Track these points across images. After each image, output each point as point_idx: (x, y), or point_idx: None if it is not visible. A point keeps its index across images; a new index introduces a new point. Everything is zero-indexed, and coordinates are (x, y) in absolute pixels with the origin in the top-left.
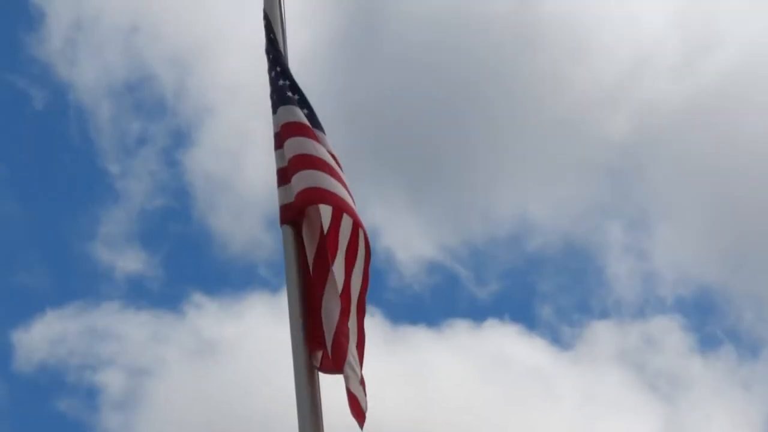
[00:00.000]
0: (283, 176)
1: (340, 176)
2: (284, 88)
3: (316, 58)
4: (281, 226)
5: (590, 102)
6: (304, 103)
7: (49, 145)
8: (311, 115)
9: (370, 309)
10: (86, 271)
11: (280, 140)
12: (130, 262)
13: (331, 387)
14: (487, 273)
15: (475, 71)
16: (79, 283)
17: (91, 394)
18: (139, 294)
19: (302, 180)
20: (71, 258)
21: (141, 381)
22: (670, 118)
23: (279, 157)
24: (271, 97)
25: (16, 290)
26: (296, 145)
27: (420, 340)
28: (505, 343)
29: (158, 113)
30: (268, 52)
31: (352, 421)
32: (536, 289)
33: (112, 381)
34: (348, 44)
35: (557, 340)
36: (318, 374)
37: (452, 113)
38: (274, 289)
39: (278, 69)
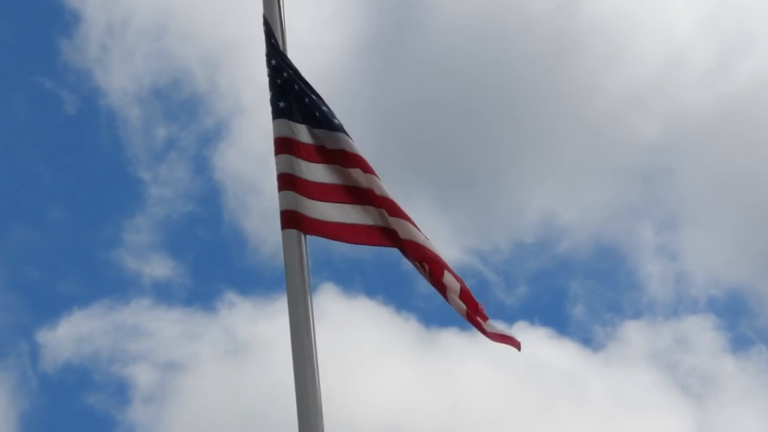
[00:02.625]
0: (289, 183)
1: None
2: (301, 95)
3: (348, 61)
4: (282, 231)
5: (622, 105)
6: (320, 103)
7: (80, 150)
8: (329, 114)
9: (402, 314)
10: (117, 277)
11: (307, 154)
12: (160, 265)
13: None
14: (516, 276)
15: (506, 76)
16: (110, 287)
17: (121, 389)
18: (171, 292)
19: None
20: (101, 264)
21: (172, 376)
22: (700, 121)
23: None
24: (274, 103)
25: (46, 294)
26: (363, 178)
27: (452, 344)
28: (535, 346)
29: (189, 116)
30: (269, 57)
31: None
32: (567, 291)
33: (142, 375)
34: (380, 49)
35: (588, 342)
36: (319, 376)
37: (483, 117)
38: None
39: (285, 75)
